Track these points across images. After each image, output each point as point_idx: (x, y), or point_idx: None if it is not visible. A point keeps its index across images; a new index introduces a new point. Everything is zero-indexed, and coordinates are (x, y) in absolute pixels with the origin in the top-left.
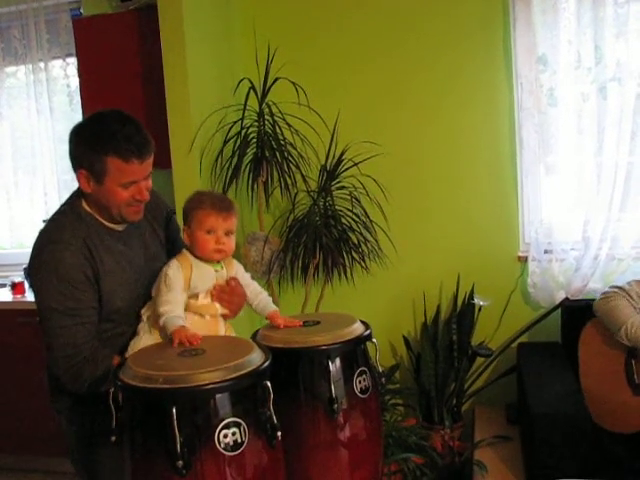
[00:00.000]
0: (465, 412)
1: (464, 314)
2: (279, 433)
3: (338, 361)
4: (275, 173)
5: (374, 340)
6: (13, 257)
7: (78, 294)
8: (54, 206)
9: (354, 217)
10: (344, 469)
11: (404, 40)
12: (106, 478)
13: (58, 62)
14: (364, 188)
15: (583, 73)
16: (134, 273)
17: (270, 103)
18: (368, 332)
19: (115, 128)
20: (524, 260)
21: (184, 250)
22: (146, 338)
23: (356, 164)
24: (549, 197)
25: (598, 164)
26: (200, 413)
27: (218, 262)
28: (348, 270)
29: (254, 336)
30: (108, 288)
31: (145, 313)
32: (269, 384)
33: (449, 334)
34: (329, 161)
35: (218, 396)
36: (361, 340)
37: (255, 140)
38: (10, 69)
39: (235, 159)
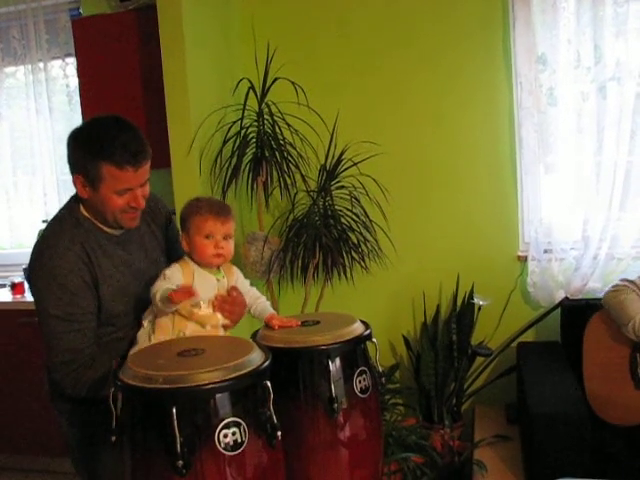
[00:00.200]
0: (465, 412)
1: (464, 314)
2: (279, 433)
3: (338, 361)
4: (275, 173)
5: (374, 340)
6: (13, 257)
7: (77, 300)
8: (53, 206)
9: (354, 217)
10: (344, 469)
11: (404, 40)
12: (106, 478)
13: (57, 62)
14: (364, 188)
15: (583, 72)
16: (134, 278)
17: (269, 103)
18: (368, 332)
19: (111, 134)
20: (524, 259)
21: (185, 257)
22: (144, 347)
23: (356, 164)
24: (549, 196)
25: (597, 163)
26: (200, 413)
27: (218, 269)
28: (348, 270)
29: (254, 336)
30: (107, 293)
31: (146, 318)
32: (269, 384)
33: (449, 334)
34: (329, 161)
35: (218, 396)
36: (361, 340)
37: (254, 140)
38: (9, 69)
39: (234, 159)
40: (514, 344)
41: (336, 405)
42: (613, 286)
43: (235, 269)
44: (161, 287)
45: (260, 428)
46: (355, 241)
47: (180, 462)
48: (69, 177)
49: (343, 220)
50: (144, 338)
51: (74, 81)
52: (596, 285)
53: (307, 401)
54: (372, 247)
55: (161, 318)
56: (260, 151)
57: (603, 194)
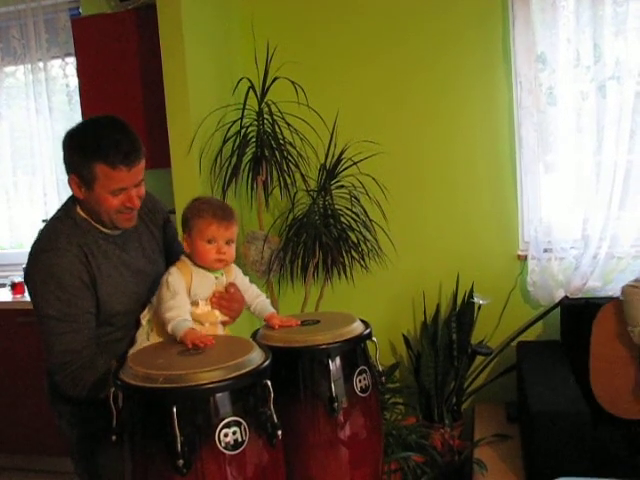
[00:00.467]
0: (465, 411)
1: (464, 313)
2: (279, 432)
3: (338, 360)
4: (274, 172)
5: (374, 339)
6: (13, 257)
7: (75, 300)
8: (53, 206)
9: (353, 216)
10: (344, 468)
11: (403, 39)
12: (106, 478)
13: (57, 62)
14: (363, 187)
15: (582, 72)
16: (132, 277)
17: (269, 102)
18: (368, 331)
19: (104, 134)
20: (523, 259)
21: (183, 257)
22: (144, 347)
23: (355, 163)
24: (548, 196)
25: (597, 163)
26: (200, 412)
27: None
28: (348, 269)
29: (254, 335)
30: (105, 293)
31: (144, 317)
32: (269, 383)
33: (449, 333)
34: (328, 160)
35: (218, 395)
36: (361, 339)
37: (254, 139)
38: (9, 69)
39: (234, 158)
40: (514, 343)
41: (336, 404)
42: (636, 280)
43: (234, 266)
44: (175, 313)
45: (260, 427)
46: (355, 240)
47: (180, 461)
48: None
49: (343, 219)
50: (143, 337)
51: (74, 81)
52: (596, 284)
53: (307, 400)
54: (372, 246)
55: (159, 317)
56: (260, 150)
57: (603, 193)
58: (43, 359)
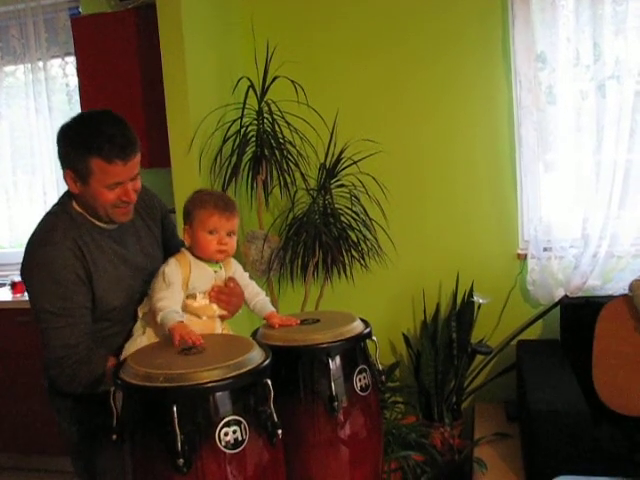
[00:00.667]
0: (465, 409)
1: (463, 312)
2: (280, 431)
3: (338, 359)
4: (274, 171)
5: (374, 338)
6: (12, 256)
7: (70, 295)
8: None
9: (353, 215)
10: (344, 467)
11: (403, 38)
12: (107, 477)
13: (57, 61)
14: (363, 186)
15: (582, 71)
16: (129, 271)
17: (269, 101)
18: (368, 330)
19: (99, 128)
20: (523, 258)
21: (183, 249)
22: (140, 340)
23: (355, 162)
24: (548, 195)
25: (597, 162)
26: (201, 411)
27: (217, 262)
28: (348, 268)
29: (254, 334)
30: (102, 287)
31: (141, 310)
32: (269, 382)
33: (449, 332)
34: (328, 159)
35: (218, 394)
36: (361, 338)
37: (254, 139)
38: (9, 68)
39: (234, 158)
40: (514, 342)
41: (336, 403)
42: None
43: (233, 261)
44: (166, 303)
45: (261, 426)
46: (355, 239)
47: (181, 460)
48: None
49: (343, 218)
50: (139, 331)
51: (74, 80)
52: (595, 283)
53: (307, 399)
54: (372, 245)
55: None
56: (260, 150)
57: (602, 192)
58: (42, 357)
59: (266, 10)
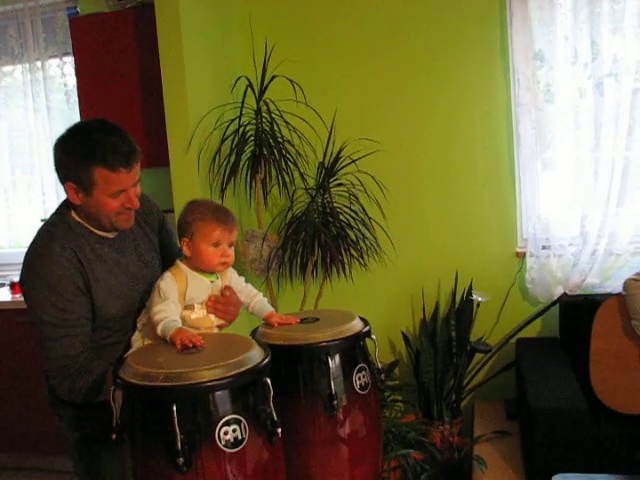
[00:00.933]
0: (464, 408)
1: (463, 310)
2: (279, 430)
3: (337, 358)
4: (273, 171)
5: (373, 337)
6: (11, 256)
7: (70, 305)
8: (52, 205)
9: (352, 214)
10: (344, 465)
11: (401, 37)
12: (107, 477)
13: (55, 61)
14: (362, 185)
15: (580, 69)
16: (128, 280)
17: (268, 101)
18: (367, 329)
19: (99, 138)
20: (522, 256)
21: (177, 262)
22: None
23: (354, 161)
24: (546, 193)
25: (595, 160)
26: (200, 410)
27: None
28: (347, 267)
29: (253, 333)
30: (101, 297)
31: (140, 321)
32: (269, 381)
33: (448, 330)
34: (327, 158)
35: (218, 393)
36: (360, 337)
37: (253, 138)
38: (7, 68)
39: (233, 157)
40: (513, 340)
41: (336, 402)
42: (638, 274)
43: (229, 268)
44: (164, 314)
45: (260, 425)
46: (354, 238)
47: (181, 459)
48: None
49: (342, 217)
50: (138, 342)
51: (72, 80)
52: (594, 281)
53: (307, 398)
54: (371, 244)
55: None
56: (258, 149)
57: (601, 190)
58: (42, 357)
59: (264, 9)
